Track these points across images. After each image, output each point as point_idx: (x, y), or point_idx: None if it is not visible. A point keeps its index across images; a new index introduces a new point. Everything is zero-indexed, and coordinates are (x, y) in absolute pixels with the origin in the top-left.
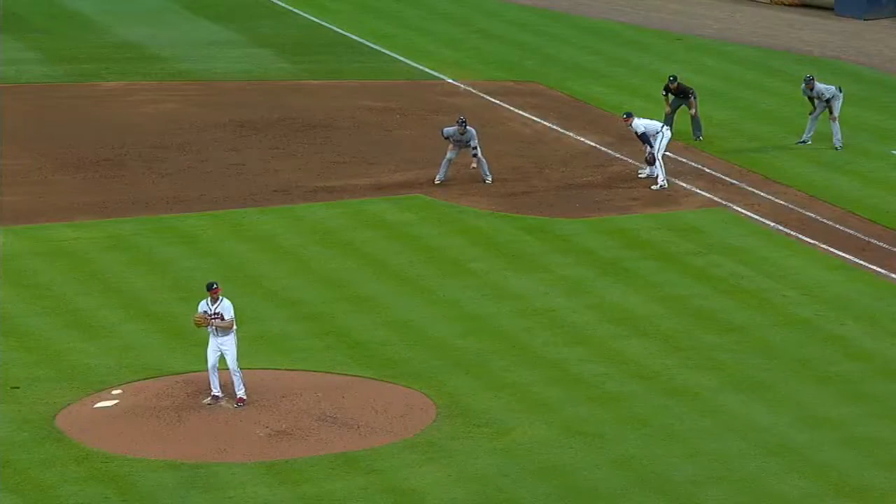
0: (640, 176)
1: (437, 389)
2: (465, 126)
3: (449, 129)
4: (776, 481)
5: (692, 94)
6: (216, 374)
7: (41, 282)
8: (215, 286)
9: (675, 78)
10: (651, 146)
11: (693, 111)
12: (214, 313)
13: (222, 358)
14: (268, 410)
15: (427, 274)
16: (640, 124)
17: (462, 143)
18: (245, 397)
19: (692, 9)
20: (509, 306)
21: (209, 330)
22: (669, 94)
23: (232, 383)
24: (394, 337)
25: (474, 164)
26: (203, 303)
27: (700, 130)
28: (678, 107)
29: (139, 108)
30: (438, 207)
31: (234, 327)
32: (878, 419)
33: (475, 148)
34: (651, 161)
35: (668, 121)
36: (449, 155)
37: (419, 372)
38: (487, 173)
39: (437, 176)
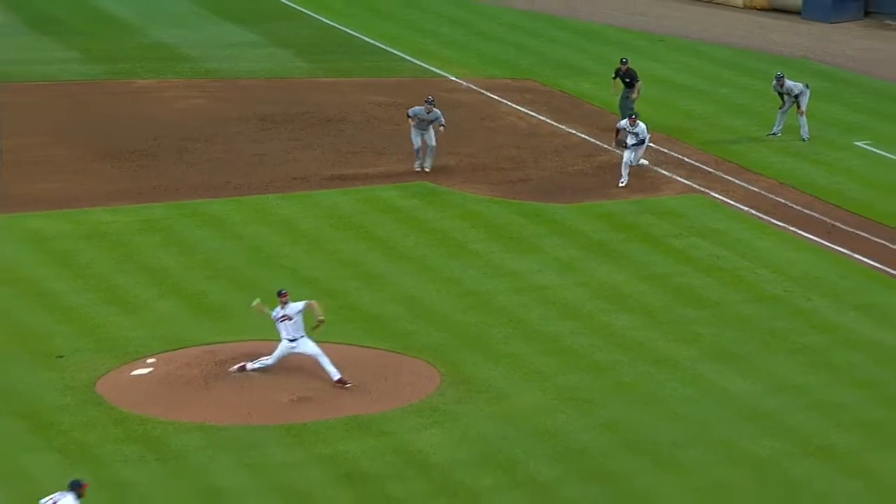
0: (620, 186)
1: (441, 359)
2: (433, 106)
3: (416, 109)
4: (749, 442)
5: (637, 81)
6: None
7: (82, 261)
8: (283, 293)
9: (626, 60)
10: (639, 146)
11: (635, 95)
12: (283, 316)
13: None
14: (288, 378)
15: (432, 254)
16: (644, 126)
17: (427, 121)
18: (340, 376)
19: (674, 13)
20: (507, 284)
21: (282, 333)
22: (618, 78)
23: (325, 370)
24: (402, 312)
25: (435, 142)
26: (277, 309)
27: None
28: (625, 94)
29: (170, 103)
30: (442, 194)
31: (304, 313)
32: (842, 386)
33: (442, 125)
34: (623, 144)
35: (623, 111)
36: (416, 143)
37: (425, 343)
38: (431, 160)
39: (422, 165)
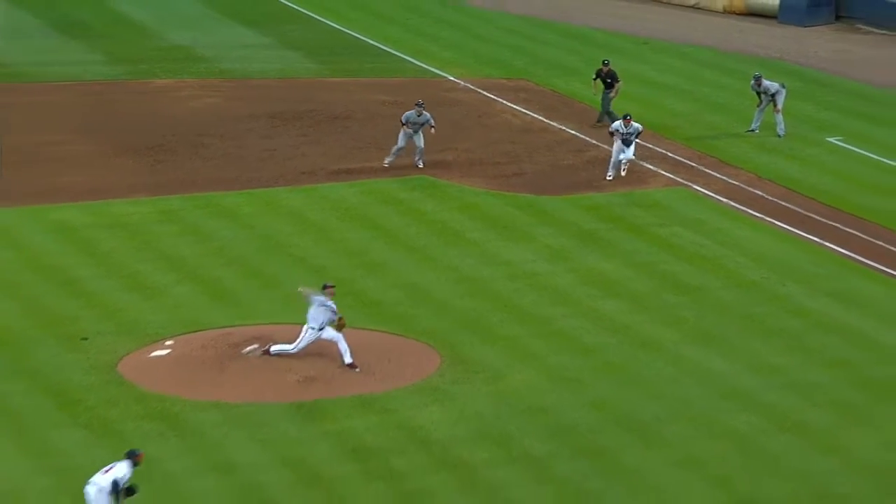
0: (608, 179)
1: (440, 342)
2: (423, 109)
3: (408, 114)
4: (728, 418)
5: (618, 81)
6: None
7: (104, 249)
8: (331, 285)
9: (608, 62)
10: (629, 144)
11: (612, 95)
12: (325, 306)
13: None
14: (298, 359)
15: (431, 243)
16: (637, 126)
17: (418, 124)
18: (352, 360)
19: (658, 17)
20: (501, 271)
21: (310, 322)
22: (599, 79)
23: (340, 353)
24: (403, 297)
25: (423, 144)
26: (322, 297)
27: (609, 117)
28: (605, 94)
29: (186, 102)
30: (441, 187)
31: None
32: (815, 366)
33: (432, 126)
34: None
35: (604, 109)
36: (400, 143)
37: (425, 327)
38: (422, 158)
39: (387, 160)
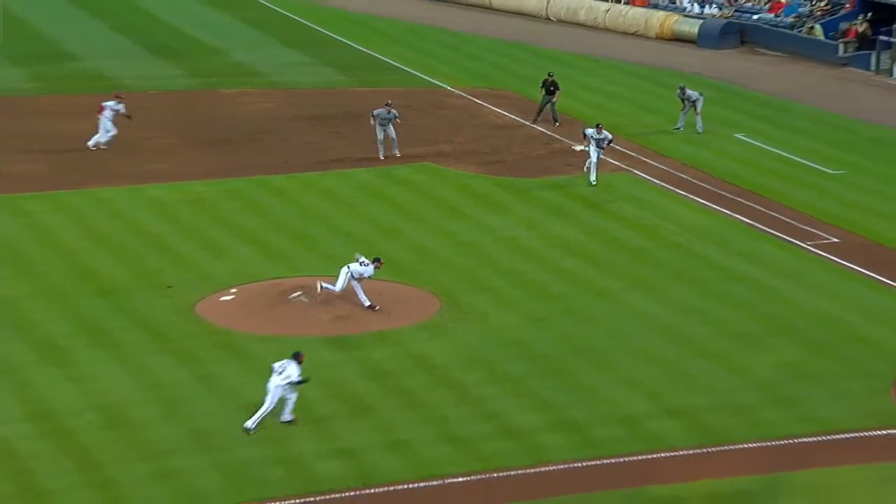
0: (592, 184)
1: (440, 290)
2: (391, 107)
3: (378, 110)
4: (659, 348)
5: (559, 89)
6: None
7: (184, 220)
8: (380, 259)
9: (552, 73)
10: (601, 149)
11: (554, 99)
12: (363, 277)
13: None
14: (332, 304)
15: (434, 215)
16: (607, 134)
17: (387, 119)
18: (370, 303)
19: (607, 42)
20: (488, 236)
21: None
22: (543, 87)
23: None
24: (413, 257)
25: (395, 135)
26: (370, 269)
27: (558, 119)
28: (546, 101)
29: (246, 107)
30: (441, 171)
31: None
32: (725, 307)
33: (398, 119)
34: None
35: (540, 108)
36: (379, 136)
37: (429, 279)
38: (397, 146)
39: (390, 152)
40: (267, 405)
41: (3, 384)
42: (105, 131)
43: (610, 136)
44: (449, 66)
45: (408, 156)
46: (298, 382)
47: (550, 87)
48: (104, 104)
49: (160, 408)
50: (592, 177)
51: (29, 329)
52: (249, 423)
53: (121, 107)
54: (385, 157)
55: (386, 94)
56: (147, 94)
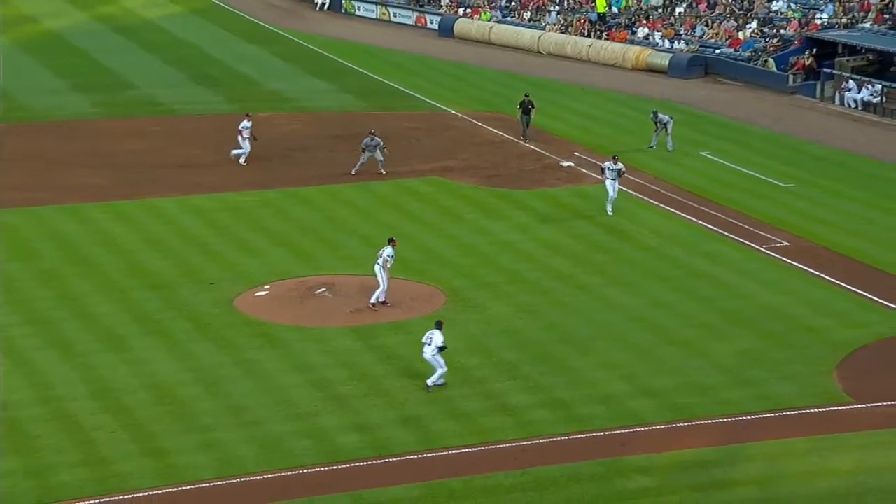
0: (609, 215)
1: (445, 286)
2: (375, 135)
3: (366, 140)
4: (633, 335)
5: (533, 108)
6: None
7: (224, 226)
8: (393, 239)
9: (528, 94)
10: (617, 178)
11: (529, 118)
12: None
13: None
14: (352, 298)
15: (440, 221)
16: (621, 165)
17: (372, 146)
18: (374, 302)
19: (590, 72)
20: (487, 239)
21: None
22: (521, 107)
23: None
24: (421, 257)
25: (383, 157)
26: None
27: (528, 136)
28: (525, 120)
29: (278, 128)
30: (446, 184)
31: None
32: (692, 302)
33: (384, 148)
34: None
35: (523, 127)
36: (362, 159)
37: (436, 276)
38: (383, 167)
39: (353, 170)
40: (439, 370)
41: (72, 367)
42: (244, 148)
43: (623, 168)
44: (454, 93)
45: (417, 170)
46: (441, 349)
47: (528, 107)
48: (239, 126)
49: (203, 388)
50: (609, 208)
51: (93, 320)
52: (430, 382)
53: (249, 124)
54: (355, 173)
55: (399, 118)
56: (191, 118)
